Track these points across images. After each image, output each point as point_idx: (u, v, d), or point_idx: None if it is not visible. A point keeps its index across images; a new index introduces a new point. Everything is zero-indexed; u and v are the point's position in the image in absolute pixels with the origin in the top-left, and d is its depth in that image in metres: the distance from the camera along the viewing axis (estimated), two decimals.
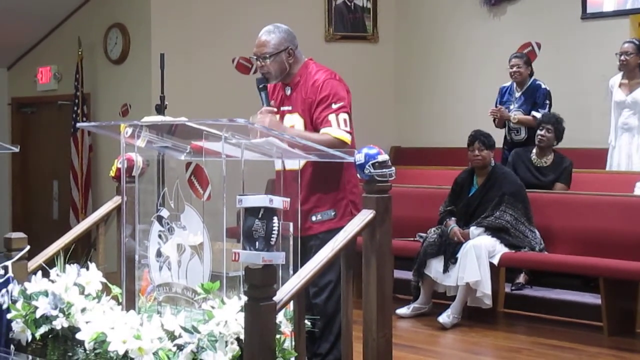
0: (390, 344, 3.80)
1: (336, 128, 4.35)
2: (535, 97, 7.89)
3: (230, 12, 9.44)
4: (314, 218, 4.43)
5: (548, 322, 6.64)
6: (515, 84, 8.05)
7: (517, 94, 8.02)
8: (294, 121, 4.49)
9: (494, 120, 8.02)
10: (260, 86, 4.50)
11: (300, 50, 4.57)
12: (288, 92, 4.54)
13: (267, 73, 4.50)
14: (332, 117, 4.36)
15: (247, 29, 8.92)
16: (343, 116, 4.37)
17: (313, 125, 4.43)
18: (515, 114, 7.88)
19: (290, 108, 4.51)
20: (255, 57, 4.53)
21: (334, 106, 4.38)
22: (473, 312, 6.59)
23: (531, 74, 8.02)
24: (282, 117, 4.51)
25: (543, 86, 7.92)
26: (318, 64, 4.60)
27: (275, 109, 4.48)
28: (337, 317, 4.20)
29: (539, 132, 7.39)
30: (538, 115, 7.71)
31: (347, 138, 4.36)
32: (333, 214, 4.46)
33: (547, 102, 7.85)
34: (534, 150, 7.45)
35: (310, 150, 3.90)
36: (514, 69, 7.97)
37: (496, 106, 8.08)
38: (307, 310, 3.71)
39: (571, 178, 7.37)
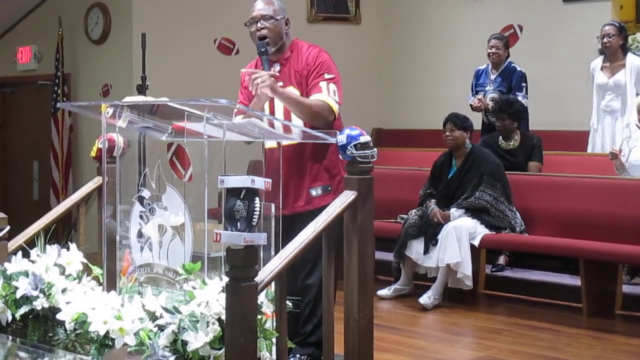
0: (371, 324, 3.81)
1: (326, 94, 4.41)
2: (511, 79, 7.89)
3: None
4: (313, 193, 4.45)
5: (528, 304, 6.68)
6: (490, 66, 8.05)
7: (493, 76, 8.02)
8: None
9: (471, 106, 8.00)
10: (262, 50, 4.48)
11: None
12: (277, 68, 4.53)
13: (266, 37, 4.46)
14: (323, 84, 4.43)
15: (228, 9, 8.98)
16: (333, 87, 4.45)
17: (306, 95, 4.46)
18: (492, 97, 7.86)
19: (282, 84, 4.46)
20: (253, 21, 4.49)
21: (327, 76, 4.46)
22: (453, 293, 6.61)
23: (507, 57, 8.04)
24: None
25: (518, 69, 7.91)
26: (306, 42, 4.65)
27: (278, 74, 4.45)
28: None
29: (496, 123, 7.44)
30: (519, 98, 7.70)
31: (334, 106, 4.42)
32: (329, 188, 4.48)
33: (524, 84, 7.85)
34: (500, 136, 7.46)
35: (293, 131, 3.90)
36: (493, 49, 7.97)
37: (472, 88, 8.10)
38: (294, 290, 3.70)
39: (542, 154, 7.40)
